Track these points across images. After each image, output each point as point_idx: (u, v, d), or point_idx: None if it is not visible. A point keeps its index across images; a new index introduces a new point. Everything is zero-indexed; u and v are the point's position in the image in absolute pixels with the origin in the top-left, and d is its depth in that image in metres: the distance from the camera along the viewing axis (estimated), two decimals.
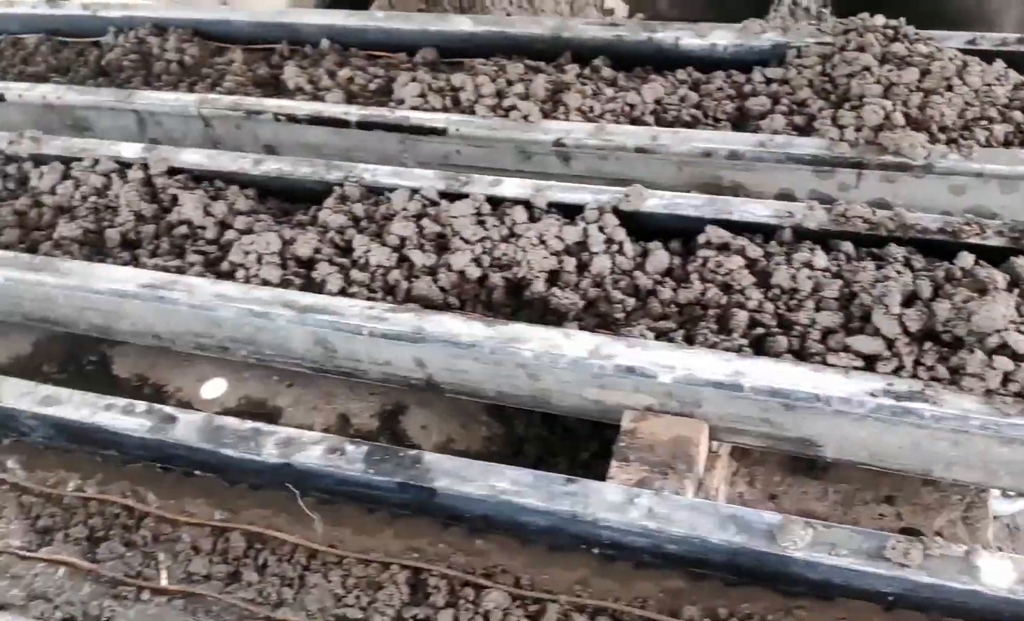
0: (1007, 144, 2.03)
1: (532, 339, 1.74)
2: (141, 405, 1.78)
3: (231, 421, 1.74)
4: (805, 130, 2.12)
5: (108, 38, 2.83)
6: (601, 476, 1.62)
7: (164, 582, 1.61)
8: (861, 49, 2.19)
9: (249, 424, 1.73)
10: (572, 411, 1.81)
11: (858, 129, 2.03)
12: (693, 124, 2.21)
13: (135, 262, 2.07)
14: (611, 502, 1.52)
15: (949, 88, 2.09)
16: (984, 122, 2.04)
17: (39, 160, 2.35)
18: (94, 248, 2.15)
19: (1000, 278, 1.65)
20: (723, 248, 1.87)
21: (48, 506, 1.74)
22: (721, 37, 2.38)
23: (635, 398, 1.72)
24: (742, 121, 2.22)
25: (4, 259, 2.07)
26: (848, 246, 1.83)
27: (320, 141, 2.36)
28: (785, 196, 2.07)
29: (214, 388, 2.11)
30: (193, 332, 2.00)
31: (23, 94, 2.57)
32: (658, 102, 2.28)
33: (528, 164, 2.23)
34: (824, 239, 1.85)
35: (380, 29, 2.63)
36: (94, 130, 2.53)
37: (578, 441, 1.90)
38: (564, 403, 1.79)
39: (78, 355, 2.20)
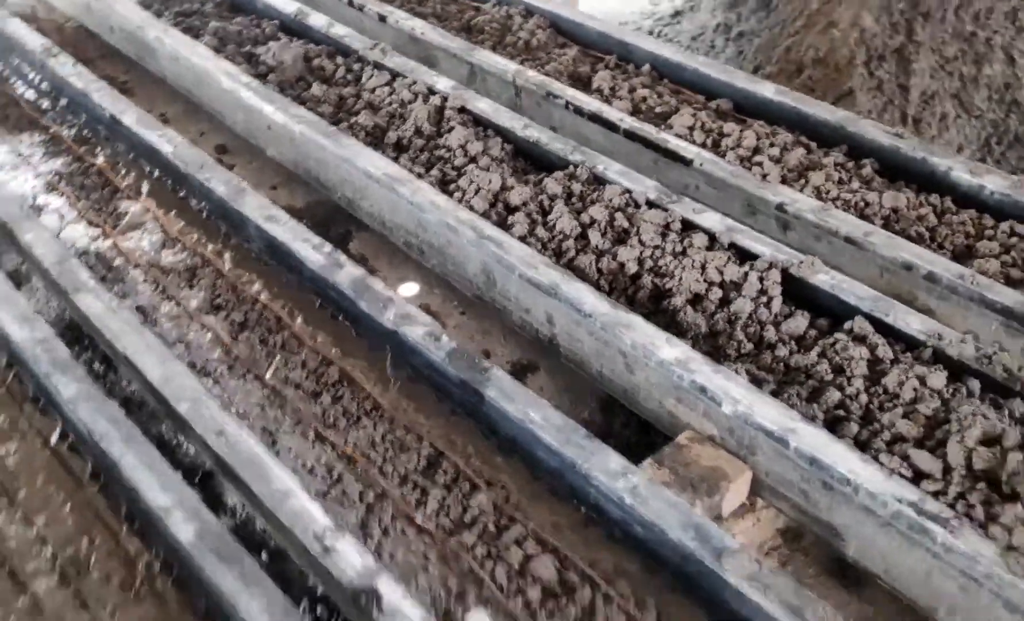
0: None
1: (637, 330, 1.84)
2: (327, 246, 2.13)
3: (377, 284, 2.03)
4: (1016, 284, 1.99)
5: (487, 5, 3.30)
6: None
7: (268, 376, 1.93)
8: None
9: (387, 293, 2.01)
10: (651, 416, 1.88)
11: None
12: (917, 241, 2.15)
13: (395, 161, 2.45)
14: (607, 468, 1.60)
15: None
16: None
17: (378, 66, 2.83)
18: (374, 140, 2.56)
19: None
20: (859, 339, 1.84)
21: (231, 294, 2.16)
22: (994, 182, 2.27)
23: (702, 424, 1.76)
24: (964, 257, 2.12)
25: (309, 119, 2.54)
26: (975, 384, 1.72)
27: (591, 137, 2.59)
28: None
29: (408, 290, 2.41)
30: (406, 228, 2.32)
31: (399, 21, 3.09)
32: (895, 210, 2.24)
33: (751, 220, 2.29)
34: (959, 372, 1.76)
35: (695, 71, 2.81)
36: (439, 68, 2.96)
37: None
38: (647, 405, 1.87)
39: (331, 224, 2.60)
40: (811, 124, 2.56)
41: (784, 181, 2.33)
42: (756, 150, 2.43)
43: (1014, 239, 2.15)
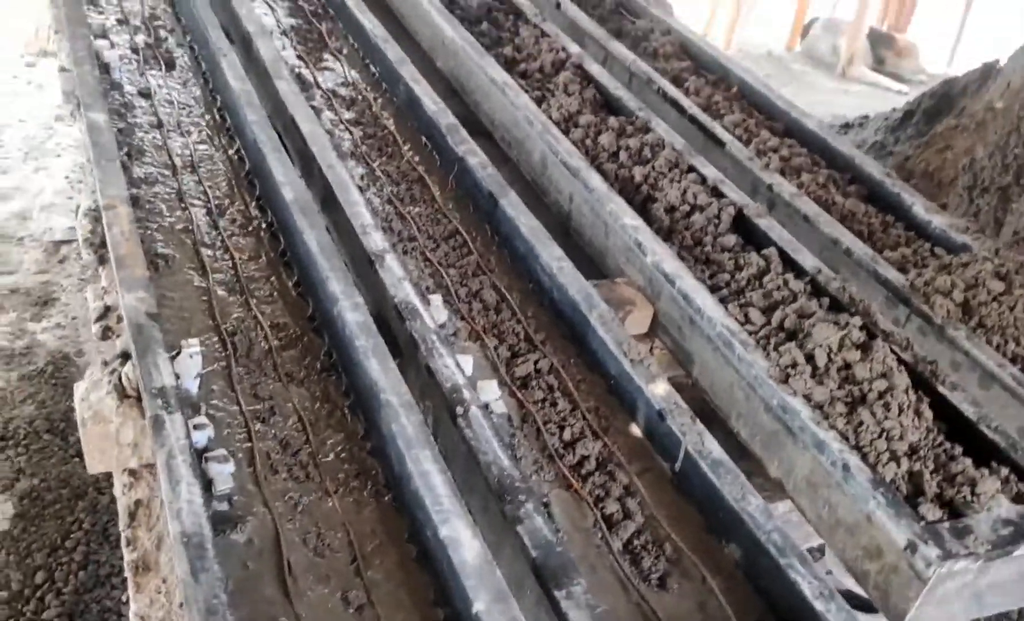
0: None
1: (616, 204, 2.65)
2: (443, 104, 3.06)
3: (462, 132, 2.93)
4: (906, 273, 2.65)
5: (640, 21, 4.19)
6: None
7: (375, 164, 2.86)
8: None
9: (465, 141, 2.91)
10: (611, 273, 2.67)
11: None
12: (856, 234, 2.83)
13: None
14: (553, 253, 2.42)
15: None
16: None
17: (536, 26, 3.76)
18: (508, 66, 3.48)
19: None
20: (764, 258, 2.57)
21: (371, 117, 3.12)
22: (939, 220, 2.91)
23: (636, 276, 2.55)
24: (881, 250, 2.79)
25: (470, 40, 3.49)
26: (826, 301, 2.42)
27: (666, 114, 3.40)
28: None
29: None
30: (504, 125, 3.21)
31: (568, 9, 4.02)
32: (852, 212, 2.93)
33: (754, 197, 3.04)
34: (822, 294, 2.46)
35: (764, 95, 3.57)
36: (585, 50, 3.85)
37: None
38: (610, 264, 2.66)
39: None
40: (819, 147, 3.28)
41: (782, 173, 3.06)
42: (774, 148, 3.17)
43: (927, 252, 2.80)
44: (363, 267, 2.31)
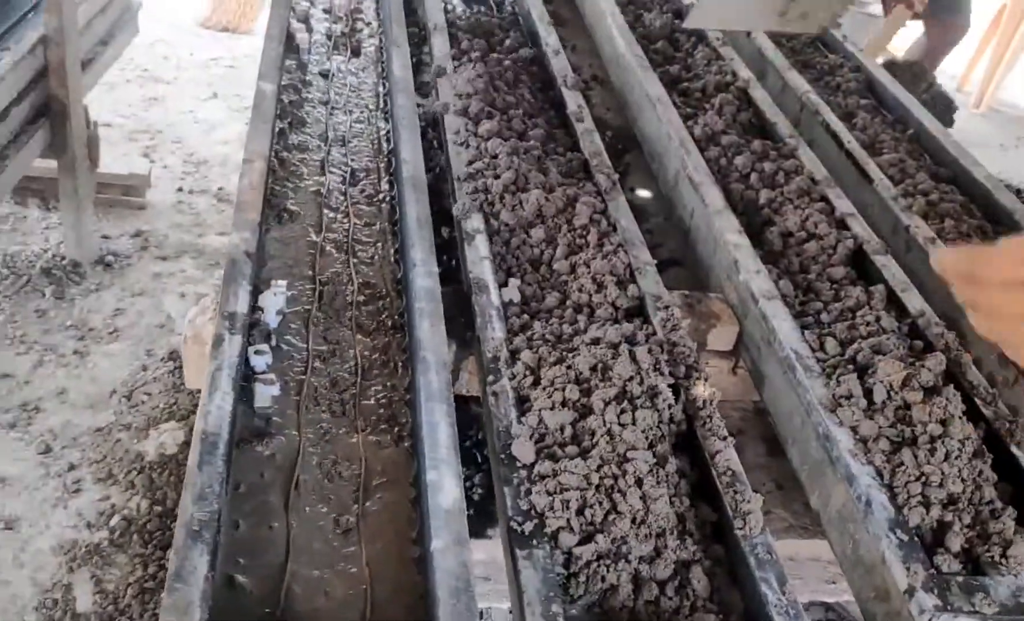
0: None
1: (729, 230, 2.66)
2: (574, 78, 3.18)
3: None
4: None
5: (832, 56, 4.10)
6: None
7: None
8: None
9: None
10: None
11: None
12: None
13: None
14: None
15: None
16: None
17: (712, 49, 3.79)
18: (670, 84, 3.53)
19: None
20: (868, 293, 2.49)
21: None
22: None
23: (729, 293, 2.55)
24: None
25: (640, 56, 3.57)
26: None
27: (827, 149, 3.34)
28: None
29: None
30: (651, 139, 3.28)
31: (757, 38, 4.01)
32: None
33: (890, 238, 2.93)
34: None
35: (939, 143, 3.41)
36: (765, 80, 3.84)
37: None
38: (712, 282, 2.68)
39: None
40: (979, 196, 3.09)
41: (925, 216, 2.92)
42: (925, 192, 3.04)
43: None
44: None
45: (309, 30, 3.50)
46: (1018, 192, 3.26)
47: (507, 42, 3.63)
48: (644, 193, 3.29)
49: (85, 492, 4.19)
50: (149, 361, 4.90)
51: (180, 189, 6.32)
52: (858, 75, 3.92)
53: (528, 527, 1.73)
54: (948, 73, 9.11)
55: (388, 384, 2.13)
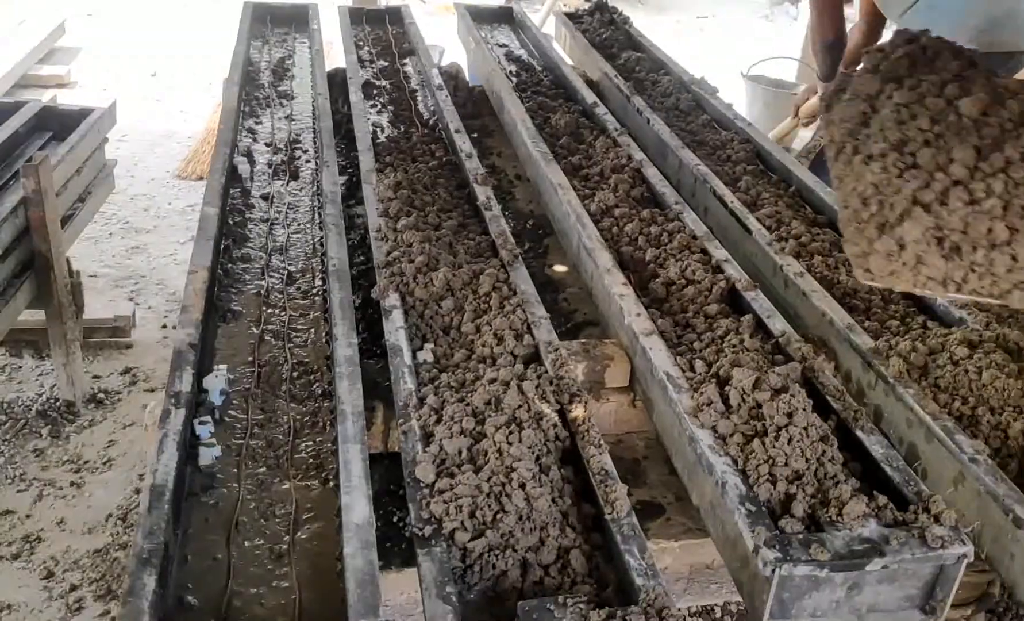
0: None
1: (616, 284, 3.05)
2: None
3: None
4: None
5: (728, 132, 4.57)
6: None
7: None
8: None
9: None
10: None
11: None
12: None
13: (572, 182, 3.83)
14: None
15: None
16: None
17: (612, 139, 4.25)
18: (573, 171, 3.97)
19: None
20: (744, 324, 2.87)
21: None
22: None
23: (620, 336, 2.93)
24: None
25: (544, 151, 4.03)
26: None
27: (711, 207, 3.76)
28: None
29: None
30: (558, 219, 3.70)
31: (655, 123, 4.48)
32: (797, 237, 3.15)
33: (760, 278, 3.33)
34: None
35: (820, 198, 3.83)
36: (666, 160, 4.29)
37: None
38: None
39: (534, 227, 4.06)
40: None
41: (796, 256, 3.31)
42: (797, 235, 3.45)
43: (919, 326, 2.98)
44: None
45: (252, 162, 3.96)
46: None
47: (430, 152, 4.10)
48: (561, 267, 3.70)
49: (87, 609, 4.46)
50: (142, 484, 5.21)
51: (164, 326, 6.72)
52: (747, 146, 4.37)
53: (427, 531, 2.07)
54: None
55: (317, 440, 2.49)
